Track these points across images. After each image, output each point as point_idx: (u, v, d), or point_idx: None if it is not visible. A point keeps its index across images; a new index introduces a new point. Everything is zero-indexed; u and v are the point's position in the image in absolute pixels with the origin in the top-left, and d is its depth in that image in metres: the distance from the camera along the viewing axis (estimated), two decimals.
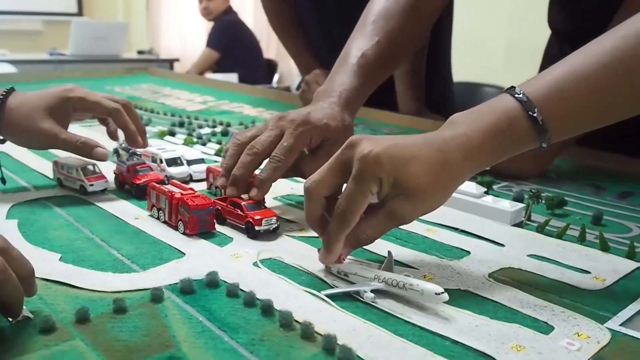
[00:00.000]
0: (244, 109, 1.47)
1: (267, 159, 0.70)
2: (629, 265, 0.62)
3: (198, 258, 0.60)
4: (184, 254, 0.61)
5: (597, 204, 0.81)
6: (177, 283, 0.53)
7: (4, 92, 0.76)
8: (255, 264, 0.59)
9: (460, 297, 0.53)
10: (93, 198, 0.76)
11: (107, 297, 0.51)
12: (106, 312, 0.49)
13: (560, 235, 0.69)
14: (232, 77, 3.09)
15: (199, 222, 0.65)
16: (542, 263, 0.62)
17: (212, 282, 0.54)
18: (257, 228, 0.64)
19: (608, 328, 0.49)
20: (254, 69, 3.52)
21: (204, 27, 4.22)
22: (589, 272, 0.60)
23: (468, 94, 1.87)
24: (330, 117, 0.73)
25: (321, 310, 0.50)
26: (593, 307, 0.53)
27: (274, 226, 0.65)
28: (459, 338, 0.47)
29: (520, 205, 0.73)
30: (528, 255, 0.63)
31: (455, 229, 0.70)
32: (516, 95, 0.54)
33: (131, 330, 0.46)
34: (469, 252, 0.64)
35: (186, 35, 4.77)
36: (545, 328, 0.49)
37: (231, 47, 3.49)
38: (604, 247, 0.65)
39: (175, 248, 0.62)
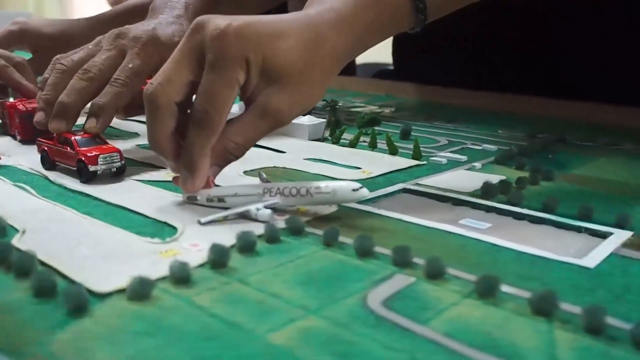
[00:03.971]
0: None
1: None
2: (409, 163, 0.57)
3: None
4: None
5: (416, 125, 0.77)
6: None
7: None
8: None
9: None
10: None
11: None
12: None
13: (353, 144, 0.64)
14: None
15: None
16: (315, 163, 0.57)
17: None
18: (92, 168, 0.48)
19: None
20: None
21: None
22: (359, 168, 0.55)
23: None
24: (180, 34, 0.60)
25: (20, 199, 0.44)
26: None
27: (117, 165, 0.49)
28: (142, 210, 0.41)
29: (320, 120, 0.68)
30: (304, 159, 0.58)
31: None
32: None
33: None
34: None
35: None
36: None
37: None
38: (392, 150, 0.61)
39: None
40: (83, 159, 0.49)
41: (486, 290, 0.30)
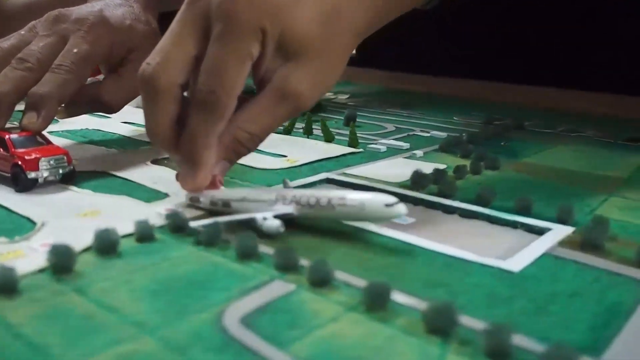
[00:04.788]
0: None
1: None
2: (343, 150, 0.51)
3: None
4: None
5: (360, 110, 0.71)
6: None
7: None
8: None
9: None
10: None
11: None
12: None
13: (288, 131, 0.58)
14: None
15: None
16: None
17: None
18: (30, 175, 0.38)
19: None
20: None
21: None
22: (285, 156, 0.49)
23: None
24: (132, 17, 0.51)
25: None
26: (257, 179, 0.42)
27: (63, 171, 0.40)
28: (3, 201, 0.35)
29: None
30: None
31: None
32: None
33: None
34: None
35: None
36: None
37: None
38: (328, 137, 0.55)
39: None
40: (20, 163, 0.38)
41: (374, 302, 0.24)
